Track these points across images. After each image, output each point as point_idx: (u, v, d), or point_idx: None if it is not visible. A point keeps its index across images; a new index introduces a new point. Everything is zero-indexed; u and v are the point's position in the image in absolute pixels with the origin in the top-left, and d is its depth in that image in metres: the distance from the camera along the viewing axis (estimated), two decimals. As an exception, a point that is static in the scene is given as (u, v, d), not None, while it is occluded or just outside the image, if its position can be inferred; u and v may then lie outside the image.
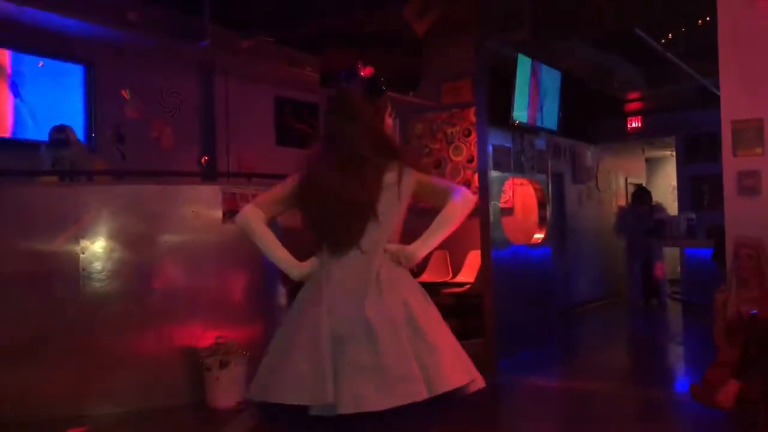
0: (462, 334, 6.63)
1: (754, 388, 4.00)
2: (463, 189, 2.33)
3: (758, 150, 4.81)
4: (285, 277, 2.39)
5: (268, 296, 5.31)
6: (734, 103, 4.94)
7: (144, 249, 4.85)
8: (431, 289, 7.92)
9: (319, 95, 8.83)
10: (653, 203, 9.73)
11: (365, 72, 2.33)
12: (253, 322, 5.11)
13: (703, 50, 5.60)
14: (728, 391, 4.01)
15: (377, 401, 2.01)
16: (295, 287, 2.45)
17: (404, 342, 2.08)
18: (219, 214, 5.02)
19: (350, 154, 2.23)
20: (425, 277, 8.45)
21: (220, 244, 4.98)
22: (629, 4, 6.97)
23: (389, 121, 2.52)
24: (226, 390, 4.66)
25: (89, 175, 5.54)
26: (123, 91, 7.13)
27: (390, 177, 2.22)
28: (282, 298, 5.31)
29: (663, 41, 7.62)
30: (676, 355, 7.16)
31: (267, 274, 5.22)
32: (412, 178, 2.29)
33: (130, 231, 4.81)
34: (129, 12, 6.35)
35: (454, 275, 8.39)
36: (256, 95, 8.41)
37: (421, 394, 2.02)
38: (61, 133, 5.61)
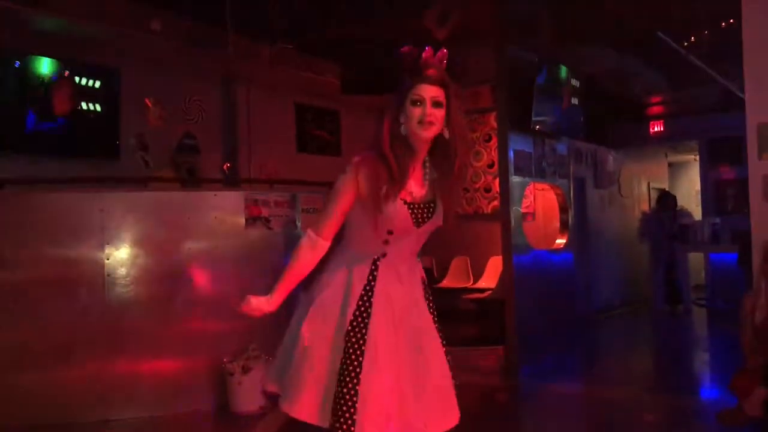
0: (483, 339, 6.65)
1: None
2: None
3: (784, 153, 4.75)
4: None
5: (290, 301, 5.33)
6: (760, 106, 4.88)
7: (168, 255, 4.90)
8: (452, 294, 7.99)
9: (339, 102, 8.89)
10: (677, 208, 9.63)
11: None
12: (276, 328, 5.12)
13: (726, 53, 5.55)
14: (756, 399, 3.95)
15: None
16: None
17: None
18: (242, 220, 5.05)
19: None
20: (446, 282, 8.45)
21: (243, 249, 5.01)
22: (649, 7, 6.93)
23: None
24: (249, 395, 4.68)
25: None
26: (146, 100, 7.23)
27: None
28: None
29: (685, 44, 7.56)
30: (701, 362, 7.06)
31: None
32: None
33: (154, 237, 4.86)
34: (153, 21, 6.45)
35: (475, 281, 8.37)
36: (277, 103, 8.48)
37: None
38: (192, 139, 5.75)
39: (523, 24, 6.67)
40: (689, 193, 12.17)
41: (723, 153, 9.50)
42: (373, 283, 2.24)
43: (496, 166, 7.46)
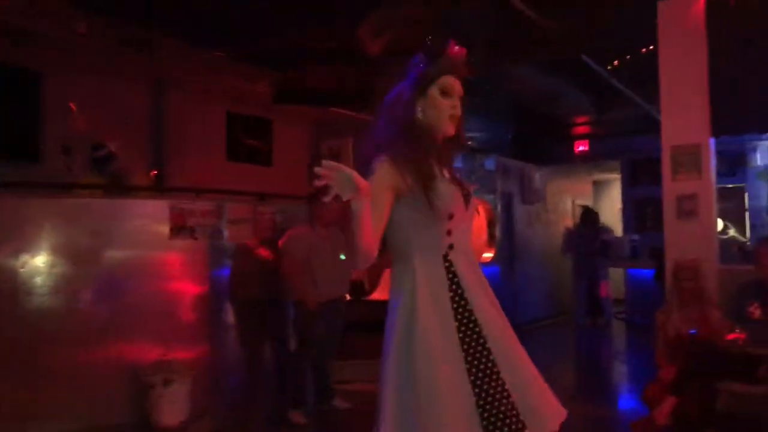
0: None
1: (691, 405, 4.14)
2: None
3: (695, 175, 5.01)
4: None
5: (215, 314, 5.25)
6: (674, 130, 5.14)
7: (88, 264, 4.74)
8: (381, 307, 8.00)
9: (272, 112, 8.83)
10: (599, 225, 9.97)
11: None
12: (199, 340, 5.04)
13: (647, 78, 5.81)
14: (665, 407, 4.13)
15: None
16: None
17: None
18: (166, 229, 4.95)
19: None
20: (377, 295, 8.45)
21: (167, 259, 4.91)
22: (576, 32, 7.19)
23: None
24: (170, 408, 4.57)
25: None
26: (71, 103, 6.98)
27: None
28: (229, 315, 5.24)
29: (609, 68, 7.87)
30: (619, 374, 7.32)
31: (215, 290, 5.16)
32: None
33: (74, 245, 4.69)
34: (79, 23, 6.25)
35: (405, 293, 8.41)
36: (208, 110, 8.33)
37: None
38: (102, 149, 5.55)
39: (457, 41, 6.79)
40: (612, 210, 12.63)
41: (643, 173, 9.92)
42: (456, 279, 1.97)
43: (427, 180, 7.56)
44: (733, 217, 8.16)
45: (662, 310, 4.73)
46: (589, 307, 9.64)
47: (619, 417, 5.26)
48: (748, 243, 7.50)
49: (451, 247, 2.00)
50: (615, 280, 10.23)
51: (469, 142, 7.81)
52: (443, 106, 2.05)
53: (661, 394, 4.22)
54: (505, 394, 1.89)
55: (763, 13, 4.99)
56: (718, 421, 4.23)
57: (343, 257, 5.16)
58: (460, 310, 1.94)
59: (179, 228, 4.89)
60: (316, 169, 1.72)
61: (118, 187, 6.50)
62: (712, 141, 5.12)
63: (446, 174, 2.05)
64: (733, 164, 8.23)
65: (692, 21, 5.13)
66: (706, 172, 5.04)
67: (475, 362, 1.90)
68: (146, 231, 4.91)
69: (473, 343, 1.91)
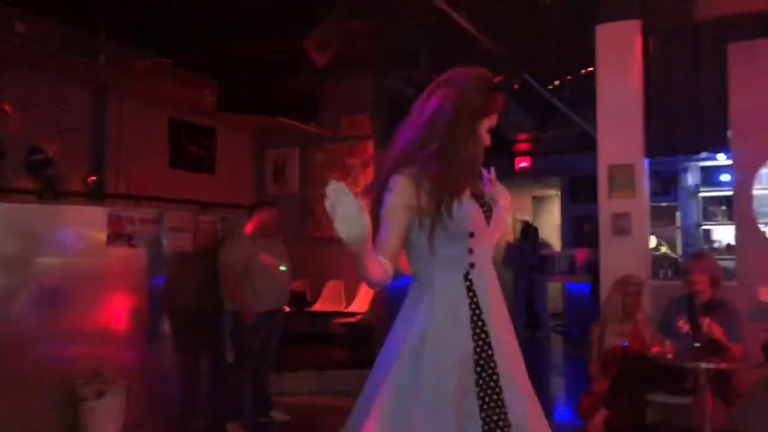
0: (353, 364, 6.67)
1: (623, 417, 4.26)
2: None
3: (629, 193, 5.19)
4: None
5: (152, 324, 5.13)
6: (610, 149, 5.32)
7: (19, 271, 4.56)
8: (324, 318, 7.98)
9: (216, 119, 8.73)
10: (538, 240, 10.18)
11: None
12: (135, 351, 4.91)
13: (587, 98, 5.98)
14: (598, 419, 4.24)
15: None
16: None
17: None
18: (103, 236, 4.82)
19: None
20: (319, 306, 8.43)
21: (102, 268, 4.78)
22: (519, 51, 7.37)
23: None
24: (103, 421, 4.43)
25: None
26: (5, 105, 6.75)
27: None
28: (165, 325, 5.13)
29: (550, 87, 8.09)
30: (556, 387, 7.47)
31: (152, 300, 5.05)
32: None
33: (4, 251, 4.51)
34: (17, 23, 6.06)
35: (348, 305, 8.41)
36: (150, 116, 8.18)
37: None
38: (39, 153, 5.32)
39: (402, 57, 6.88)
40: (551, 225, 12.93)
41: (581, 190, 10.22)
42: (476, 299, 1.95)
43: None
44: (667, 235, 8.46)
45: (597, 323, 4.87)
46: (528, 321, 9.82)
47: (555, 430, 5.36)
48: (680, 260, 7.79)
49: (472, 266, 1.97)
50: (553, 295, 10.45)
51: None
52: (485, 141, 2.03)
53: (595, 406, 4.34)
54: (507, 422, 1.90)
55: (695, 39, 5.23)
56: (648, 432, 4.37)
57: (283, 268, 5.13)
58: (477, 330, 1.93)
59: (117, 235, 4.77)
60: (326, 190, 1.61)
61: (54, 192, 6.32)
62: (645, 161, 5.32)
63: (467, 192, 1.99)
64: (667, 184, 8.54)
65: (628, 45, 5.33)
66: (640, 191, 5.22)
67: (484, 386, 1.91)
68: (82, 238, 4.77)
69: (486, 366, 1.92)
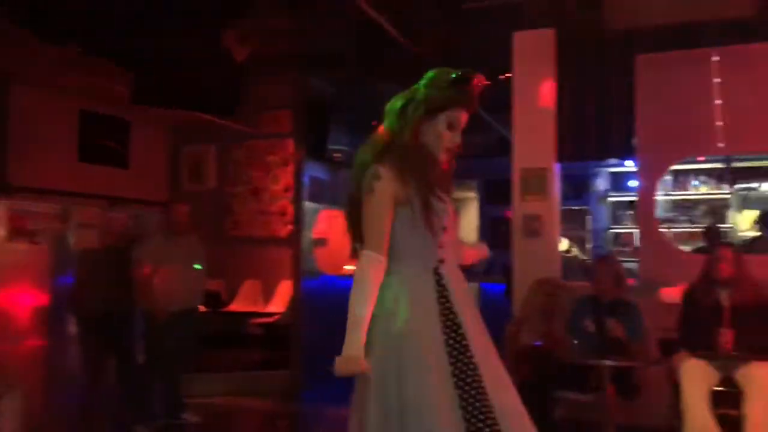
0: (269, 364, 6.59)
1: (531, 413, 4.38)
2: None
3: (542, 196, 5.36)
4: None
5: (55, 323, 4.91)
6: (524, 153, 5.48)
7: None
8: (240, 318, 7.84)
9: (131, 113, 8.43)
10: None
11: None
12: (36, 351, 4.68)
13: (504, 104, 6.13)
14: (508, 417, 4.32)
15: None
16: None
17: None
18: (3, 232, 4.57)
19: None
20: (235, 306, 8.27)
21: (3, 263, 4.53)
22: (443, 53, 7.48)
23: None
24: (1, 424, 4.20)
25: None
26: None
27: None
28: (71, 325, 4.92)
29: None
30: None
31: (57, 299, 4.82)
32: None
33: None
34: None
35: (265, 305, 8.29)
36: (58, 107, 7.80)
37: None
38: None
39: (326, 56, 6.85)
40: (469, 227, 13.18)
41: (498, 193, 10.43)
42: (445, 293, 2.06)
43: (292, 191, 7.52)
44: (577, 237, 8.77)
45: (513, 322, 4.99)
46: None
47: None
48: (589, 261, 8.10)
49: (441, 261, 2.07)
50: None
51: (337, 155, 7.85)
52: (444, 138, 2.11)
53: (505, 403, 4.43)
54: (490, 409, 1.95)
55: (604, 50, 5.44)
56: (556, 430, 4.50)
57: (197, 267, 5.01)
58: (449, 323, 2.01)
59: (18, 231, 4.54)
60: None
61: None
62: (557, 166, 5.50)
63: (437, 190, 2.10)
64: (579, 188, 8.86)
65: (544, 52, 5.50)
66: (552, 194, 5.40)
67: (462, 375, 1.96)
68: (-21, 233, 4.52)
69: (460, 356, 1.99)
